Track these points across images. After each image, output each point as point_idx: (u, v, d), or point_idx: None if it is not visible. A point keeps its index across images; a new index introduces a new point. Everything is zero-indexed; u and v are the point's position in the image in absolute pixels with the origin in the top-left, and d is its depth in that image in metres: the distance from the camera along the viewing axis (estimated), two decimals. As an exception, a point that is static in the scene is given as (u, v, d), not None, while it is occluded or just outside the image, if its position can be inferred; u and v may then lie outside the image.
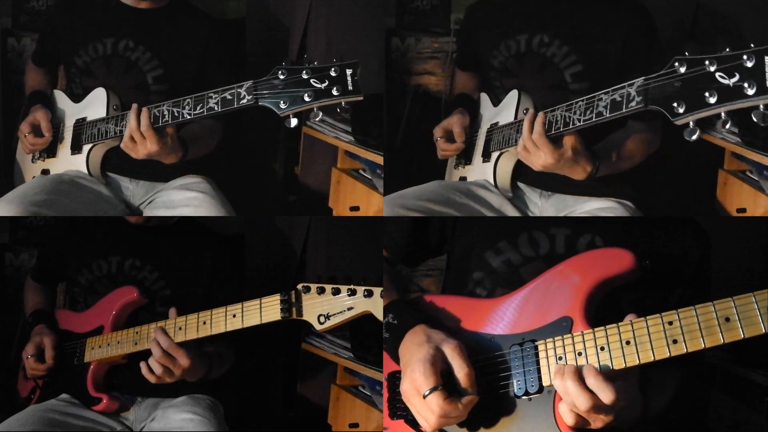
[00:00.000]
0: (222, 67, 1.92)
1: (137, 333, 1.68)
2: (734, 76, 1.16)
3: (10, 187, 1.93)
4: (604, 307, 1.26)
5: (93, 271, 1.83)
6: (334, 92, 1.50)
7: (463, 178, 1.87)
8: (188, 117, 1.65)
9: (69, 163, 1.91)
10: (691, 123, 1.22)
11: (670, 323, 1.14)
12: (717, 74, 1.18)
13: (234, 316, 1.55)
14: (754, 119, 1.16)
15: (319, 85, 1.51)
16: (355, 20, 2.23)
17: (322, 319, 1.48)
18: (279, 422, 2.32)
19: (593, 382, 1.13)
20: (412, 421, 1.30)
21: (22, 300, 2.07)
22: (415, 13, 2.39)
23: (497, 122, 1.80)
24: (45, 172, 1.94)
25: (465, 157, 1.88)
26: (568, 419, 1.17)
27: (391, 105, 2.27)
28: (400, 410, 1.32)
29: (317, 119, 1.55)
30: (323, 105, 1.52)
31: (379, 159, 2.01)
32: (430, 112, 2.17)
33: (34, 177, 1.96)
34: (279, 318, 1.50)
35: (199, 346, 1.62)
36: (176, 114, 1.66)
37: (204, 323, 1.57)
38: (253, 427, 2.23)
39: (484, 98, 1.89)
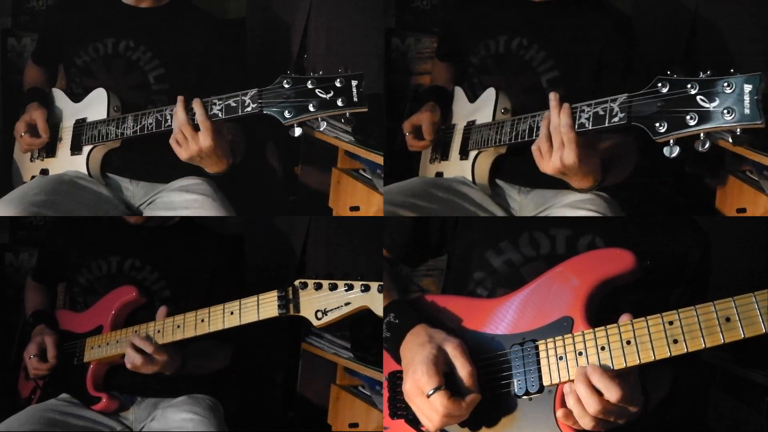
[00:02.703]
0: (223, 66, 1.91)
1: (135, 332, 1.68)
2: (714, 100, 1.21)
3: (8, 186, 1.93)
4: (605, 307, 1.26)
5: (93, 271, 1.83)
6: (339, 103, 1.50)
7: (439, 174, 1.87)
8: (219, 116, 1.62)
9: (69, 163, 1.90)
10: (671, 141, 1.27)
11: (671, 323, 1.14)
12: (698, 97, 1.23)
13: (232, 313, 1.55)
14: (730, 140, 1.23)
15: (324, 96, 1.51)
16: (355, 20, 2.23)
17: (319, 314, 1.48)
18: (279, 422, 2.32)
19: (598, 380, 1.13)
20: (412, 421, 1.30)
21: (23, 300, 2.07)
22: (415, 13, 2.39)
23: (474, 120, 1.80)
24: (44, 171, 1.94)
25: (441, 152, 1.88)
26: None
27: (391, 105, 2.27)
28: (400, 410, 1.32)
29: (321, 129, 1.55)
30: (328, 115, 1.52)
31: (379, 159, 2.01)
32: (430, 112, 2.16)
33: (33, 177, 1.95)
34: (276, 314, 1.50)
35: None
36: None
37: (202, 321, 1.57)
38: (253, 427, 2.23)
39: (459, 92, 1.89)
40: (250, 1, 2.35)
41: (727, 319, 1.10)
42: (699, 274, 1.37)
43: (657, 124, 1.27)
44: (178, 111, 1.61)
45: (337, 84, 1.50)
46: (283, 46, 2.29)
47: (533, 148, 1.47)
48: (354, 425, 2.17)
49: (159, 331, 1.63)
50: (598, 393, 1.12)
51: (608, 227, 1.41)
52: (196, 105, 1.60)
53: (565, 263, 1.30)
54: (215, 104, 1.61)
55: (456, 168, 1.83)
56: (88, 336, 1.77)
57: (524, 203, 1.77)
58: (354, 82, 1.50)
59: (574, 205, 1.64)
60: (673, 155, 1.26)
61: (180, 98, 1.61)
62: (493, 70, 1.78)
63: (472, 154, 1.78)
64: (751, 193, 1.93)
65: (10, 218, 2.41)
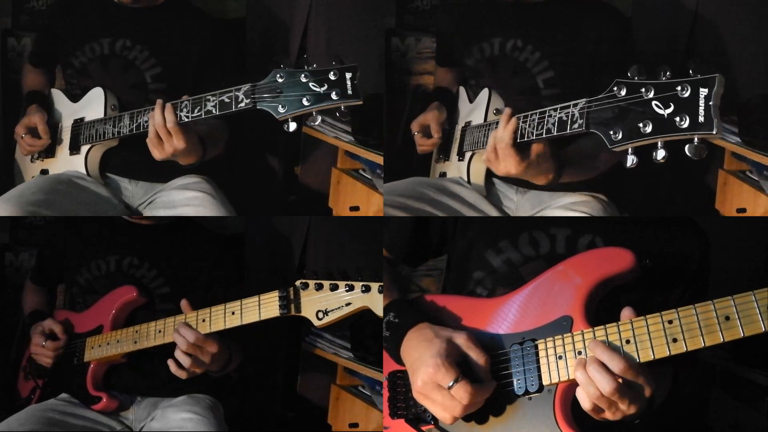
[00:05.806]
0: (221, 65, 1.91)
1: (137, 332, 1.68)
2: (669, 106, 1.11)
3: (10, 187, 1.92)
4: (605, 307, 1.26)
5: (92, 270, 1.82)
6: (333, 96, 1.48)
7: (443, 174, 1.89)
8: (185, 119, 1.63)
9: (68, 163, 1.90)
10: (629, 149, 1.18)
11: (670, 322, 1.14)
12: (653, 102, 1.13)
13: (233, 313, 1.55)
14: (687, 153, 1.12)
15: (318, 89, 1.48)
16: (355, 20, 2.24)
17: (320, 315, 1.48)
18: (279, 422, 2.32)
19: (603, 354, 1.14)
20: (412, 421, 1.30)
21: (21, 301, 2.07)
22: (415, 13, 2.39)
23: (470, 121, 1.81)
24: (44, 172, 1.94)
25: (444, 152, 1.90)
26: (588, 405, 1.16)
27: (391, 105, 2.27)
28: (400, 410, 1.32)
29: (316, 123, 1.54)
30: (322, 109, 1.50)
31: (379, 159, 2.02)
32: (430, 112, 2.17)
33: (33, 177, 1.96)
34: (278, 314, 1.50)
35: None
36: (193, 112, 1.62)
37: (203, 321, 1.57)
38: (253, 427, 2.23)
39: (463, 93, 1.90)
40: (250, 1, 2.35)
41: (727, 318, 1.10)
42: (699, 274, 1.37)
43: (611, 132, 1.19)
44: (156, 114, 1.61)
45: (331, 77, 1.48)
46: (282, 46, 2.29)
47: (483, 157, 1.51)
48: (354, 425, 2.17)
49: (160, 331, 1.64)
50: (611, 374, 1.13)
51: (608, 227, 1.41)
52: (167, 111, 1.60)
53: (566, 262, 1.29)
54: (209, 100, 1.60)
55: (455, 168, 1.84)
56: (88, 336, 1.77)
57: (521, 203, 1.78)
58: (348, 75, 1.48)
59: (570, 207, 1.65)
60: (630, 165, 1.18)
61: (159, 101, 1.62)
62: (488, 73, 1.79)
63: (467, 155, 1.79)
64: (751, 193, 1.93)
65: (10, 218, 2.41)
